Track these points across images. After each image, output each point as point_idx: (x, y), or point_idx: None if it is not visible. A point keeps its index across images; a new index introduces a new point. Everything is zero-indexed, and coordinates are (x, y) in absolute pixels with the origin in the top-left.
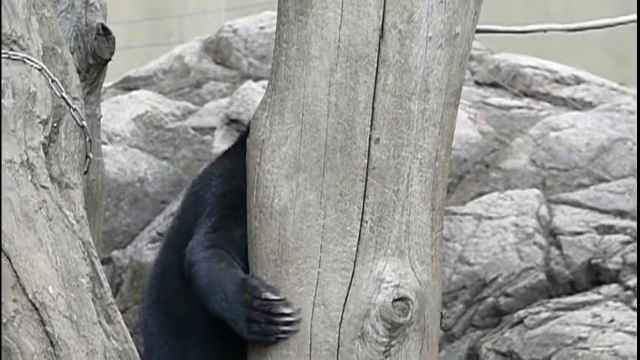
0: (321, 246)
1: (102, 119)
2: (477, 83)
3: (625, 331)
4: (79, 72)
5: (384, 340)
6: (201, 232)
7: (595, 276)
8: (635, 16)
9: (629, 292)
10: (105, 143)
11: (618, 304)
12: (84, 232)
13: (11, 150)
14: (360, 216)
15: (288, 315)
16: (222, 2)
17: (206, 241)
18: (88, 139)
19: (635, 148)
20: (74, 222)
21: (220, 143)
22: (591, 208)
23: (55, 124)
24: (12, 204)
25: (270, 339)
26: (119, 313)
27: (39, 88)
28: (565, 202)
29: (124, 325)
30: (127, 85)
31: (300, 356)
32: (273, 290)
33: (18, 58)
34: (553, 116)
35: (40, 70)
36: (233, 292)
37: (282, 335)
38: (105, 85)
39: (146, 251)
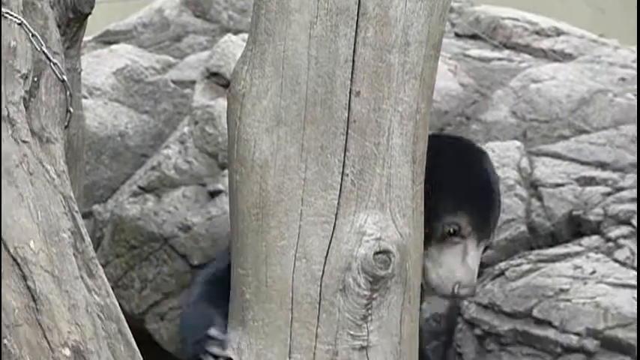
0: (302, 199)
1: (82, 73)
2: (457, 35)
3: (606, 283)
4: (59, 26)
5: (366, 293)
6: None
7: (576, 227)
8: None
9: (611, 244)
10: (85, 97)
11: (599, 255)
12: (65, 187)
13: None
14: (340, 169)
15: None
16: None
17: (208, 276)
18: (68, 93)
19: (616, 99)
20: (55, 176)
21: (200, 97)
22: (572, 160)
23: (35, 79)
24: None
25: None
26: (100, 267)
27: (19, 42)
28: (546, 154)
29: (106, 280)
30: (107, 39)
31: (282, 309)
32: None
33: None
34: (533, 68)
35: (19, 24)
36: (190, 330)
37: None
38: (85, 39)
39: (127, 205)
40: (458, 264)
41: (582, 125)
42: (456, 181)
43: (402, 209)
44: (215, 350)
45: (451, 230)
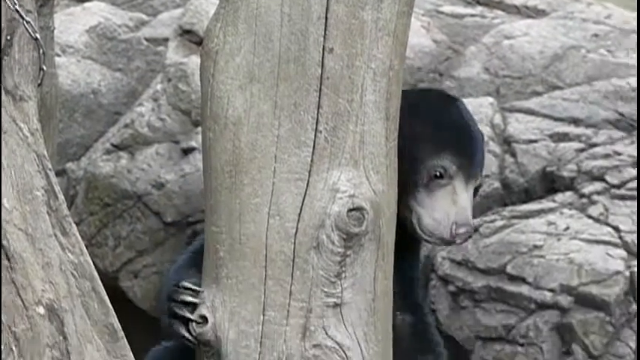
0: (275, 156)
1: (55, 31)
2: None
3: (580, 239)
4: None
5: (340, 250)
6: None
7: (550, 184)
8: None
9: (584, 200)
10: (58, 55)
11: (573, 211)
12: (38, 145)
13: None
14: (314, 126)
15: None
16: None
17: (196, 246)
18: (41, 51)
19: (589, 55)
20: (28, 135)
21: (174, 54)
22: (545, 116)
23: (8, 37)
24: None
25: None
26: (74, 225)
27: None
28: (519, 110)
29: (79, 238)
30: None
31: (255, 267)
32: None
33: None
34: (506, 24)
35: None
36: (168, 287)
37: (186, 334)
38: None
39: (100, 163)
40: (450, 205)
41: (555, 81)
42: (435, 126)
43: (376, 166)
44: (187, 298)
45: (437, 173)
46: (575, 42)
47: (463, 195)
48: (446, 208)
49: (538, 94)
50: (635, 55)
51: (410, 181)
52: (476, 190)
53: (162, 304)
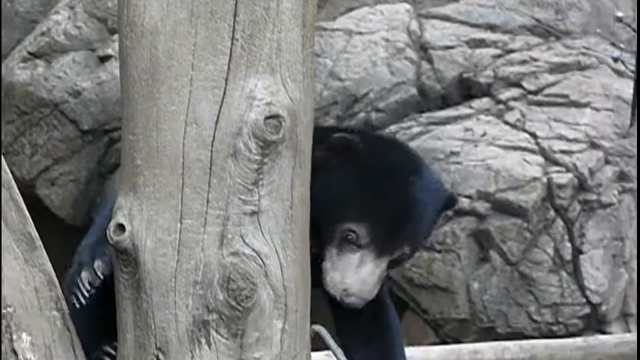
0: (192, 64)
1: None
2: None
3: (497, 145)
4: None
5: (257, 157)
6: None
7: (466, 90)
8: None
9: (501, 106)
10: None
11: (490, 117)
12: None
13: None
14: (230, 34)
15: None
16: None
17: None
18: None
19: None
20: None
21: None
22: (461, 22)
23: None
24: None
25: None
26: None
27: None
28: (435, 17)
29: None
30: None
31: (172, 175)
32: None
33: None
34: None
35: None
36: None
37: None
38: None
39: (17, 71)
40: (350, 272)
41: None
42: (369, 186)
43: (293, 74)
44: (85, 275)
45: (348, 237)
46: None
47: (367, 267)
48: (344, 272)
49: (454, 0)
50: None
51: (327, 232)
52: (396, 263)
53: (73, 285)
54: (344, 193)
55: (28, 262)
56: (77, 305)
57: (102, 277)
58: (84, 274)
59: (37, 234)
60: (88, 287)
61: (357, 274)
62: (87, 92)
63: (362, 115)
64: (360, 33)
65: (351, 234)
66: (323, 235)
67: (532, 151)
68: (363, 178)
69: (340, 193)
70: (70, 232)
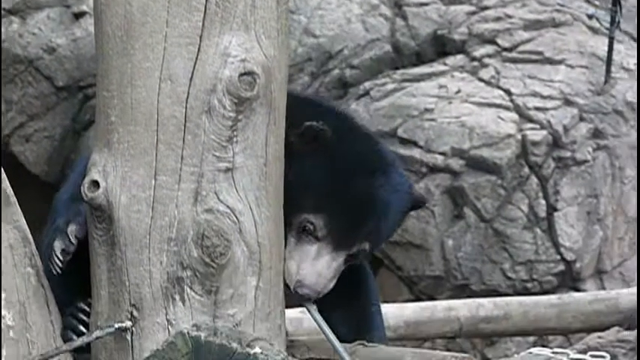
0: (166, 21)
1: None
2: None
3: (471, 102)
4: None
5: (231, 114)
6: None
7: (441, 47)
8: None
9: (475, 63)
10: None
11: (464, 74)
12: None
13: None
14: None
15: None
16: None
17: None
18: None
19: None
20: None
21: None
22: None
23: None
24: None
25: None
26: None
27: None
28: None
29: None
30: None
31: (147, 131)
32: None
33: None
34: None
35: None
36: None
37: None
38: None
39: None
40: (306, 263)
41: None
42: (333, 178)
43: (267, 31)
44: (80, 315)
45: (306, 227)
46: None
47: (323, 260)
48: (301, 264)
49: None
50: None
51: (288, 219)
52: (353, 257)
53: (48, 250)
54: (307, 183)
55: (2, 219)
56: (54, 273)
57: (75, 242)
58: (57, 244)
59: (11, 190)
60: (61, 258)
61: (312, 267)
62: (61, 49)
63: (336, 71)
64: None
65: (309, 225)
66: (286, 221)
67: (506, 108)
68: (327, 170)
69: (303, 182)
70: (44, 189)
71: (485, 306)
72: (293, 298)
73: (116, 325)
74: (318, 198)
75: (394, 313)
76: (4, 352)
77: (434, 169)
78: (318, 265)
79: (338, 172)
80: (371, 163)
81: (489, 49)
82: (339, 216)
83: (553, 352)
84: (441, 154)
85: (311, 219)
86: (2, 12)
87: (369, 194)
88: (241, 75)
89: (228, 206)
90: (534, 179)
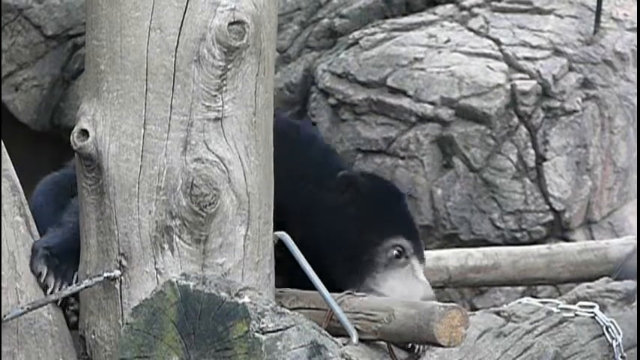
0: None
1: None
2: None
3: (461, 52)
4: None
5: (221, 63)
6: None
7: None
8: None
9: (465, 13)
10: None
11: (454, 24)
12: None
13: None
14: None
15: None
16: None
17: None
18: None
19: None
20: None
21: None
22: None
23: None
24: None
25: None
26: None
27: None
28: None
29: None
30: None
31: (136, 80)
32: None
33: None
34: None
35: None
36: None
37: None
38: None
39: None
40: (414, 282)
41: None
42: (387, 213)
43: None
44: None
45: (396, 252)
46: None
47: (421, 273)
48: (410, 285)
49: None
50: None
51: (364, 266)
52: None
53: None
54: (370, 220)
55: None
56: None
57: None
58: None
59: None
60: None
61: (421, 282)
62: None
63: (325, 21)
64: None
65: (398, 248)
66: (361, 269)
67: (496, 58)
68: (378, 205)
69: (367, 221)
70: (33, 138)
71: (475, 255)
72: None
73: (105, 274)
74: (391, 226)
75: None
76: None
77: (423, 119)
78: (422, 278)
79: (386, 205)
80: (394, 189)
81: None
82: (411, 233)
83: (542, 302)
84: (430, 103)
85: (397, 242)
86: None
87: (411, 213)
88: (231, 24)
89: (217, 155)
90: (523, 129)
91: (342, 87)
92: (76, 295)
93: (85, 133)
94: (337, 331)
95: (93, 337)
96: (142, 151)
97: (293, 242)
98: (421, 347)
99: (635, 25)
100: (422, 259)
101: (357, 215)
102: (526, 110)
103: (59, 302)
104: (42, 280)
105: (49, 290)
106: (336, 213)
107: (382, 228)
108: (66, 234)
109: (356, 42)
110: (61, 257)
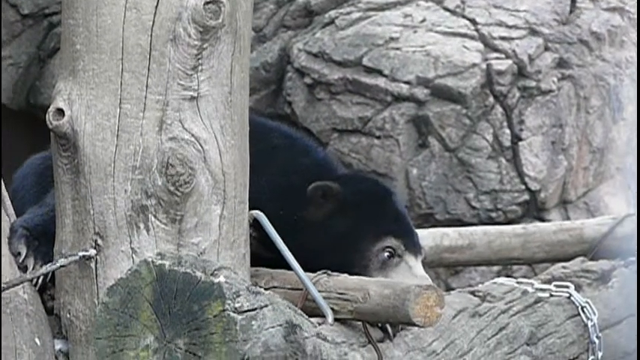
0: None
1: None
2: None
3: (437, 31)
4: None
5: (196, 43)
6: None
7: None
8: None
9: None
10: None
11: (430, 3)
12: None
13: None
14: None
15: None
16: None
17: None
18: None
19: None
20: None
21: None
22: None
23: None
24: None
25: None
26: None
27: None
28: None
29: None
30: None
31: (112, 60)
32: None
33: None
34: None
35: None
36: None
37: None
38: None
39: None
40: (411, 278)
41: None
42: (375, 216)
43: None
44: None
45: (387, 254)
46: None
47: (417, 266)
48: (407, 282)
49: None
50: None
51: (359, 274)
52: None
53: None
54: (358, 226)
55: None
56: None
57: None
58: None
59: None
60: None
61: (418, 277)
62: None
63: (301, 0)
64: None
65: (388, 249)
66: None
67: (471, 38)
68: (366, 208)
69: (355, 226)
70: (9, 116)
71: (450, 235)
72: None
73: (80, 254)
74: (377, 229)
75: None
76: None
77: (398, 98)
78: (419, 272)
79: (374, 206)
80: (386, 191)
81: None
82: (400, 232)
83: (518, 282)
84: (405, 82)
85: (385, 244)
86: None
87: (402, 211)
88: (206, 3)
89: (192, 134)
90: (499, 109)
91: (317, 66)
92: (53, 280)
93: (60, 112)
94: (313, 310)
95: (68, 316)
96: (118, 130)
97: (268, 221)
98: (395, 328)
99: (612, 5)
100: (417, 252)
101: (341, 226)
102: (502, 90)
103: (35, 283)
104: (20, 261)
105: (28, 271)
106: (319, 229)
107: (368, 233)
108: (46, 215)
109: (332, 21)
110: (40, 239)
